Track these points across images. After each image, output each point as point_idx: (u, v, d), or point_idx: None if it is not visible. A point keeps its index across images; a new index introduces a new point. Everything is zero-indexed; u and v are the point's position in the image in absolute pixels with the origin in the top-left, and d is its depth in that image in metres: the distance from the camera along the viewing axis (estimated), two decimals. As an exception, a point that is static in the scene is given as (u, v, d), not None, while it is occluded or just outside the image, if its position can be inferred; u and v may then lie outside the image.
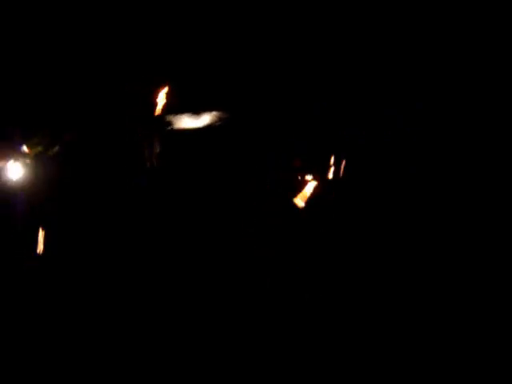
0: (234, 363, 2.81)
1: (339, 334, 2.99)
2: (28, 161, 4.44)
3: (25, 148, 4.44)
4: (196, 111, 4.54)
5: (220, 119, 4.50)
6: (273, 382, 2.73)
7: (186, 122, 4.58)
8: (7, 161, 4.45)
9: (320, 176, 4.09)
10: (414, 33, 3.85)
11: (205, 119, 4.52)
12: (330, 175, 4.13)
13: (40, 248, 4.06)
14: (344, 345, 2.91)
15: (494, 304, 3.15)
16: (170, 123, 4.58)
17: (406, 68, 3.89)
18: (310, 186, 4.06)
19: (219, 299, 3.39)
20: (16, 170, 4.46)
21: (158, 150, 4.60)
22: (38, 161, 4.46)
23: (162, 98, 4.45)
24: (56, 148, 4.49)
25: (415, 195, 3.95)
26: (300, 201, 3.99)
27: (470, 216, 3.77)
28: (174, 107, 4.56)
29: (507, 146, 3.69)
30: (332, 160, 4.15)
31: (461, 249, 3.65)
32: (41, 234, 4.06)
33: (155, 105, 4.53)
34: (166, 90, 4.42)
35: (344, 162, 4.11)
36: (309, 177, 4.11)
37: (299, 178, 4.12)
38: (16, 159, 4.50)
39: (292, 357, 2.85)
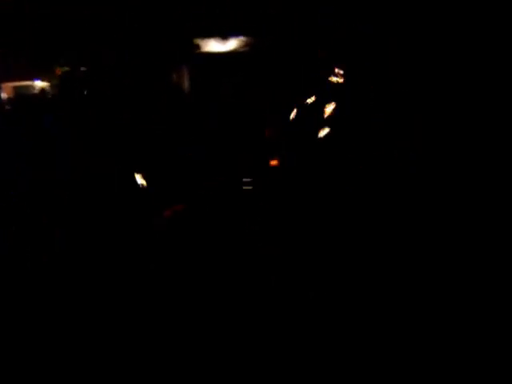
0: (238, 361, 2.83)
1: (344, 331, 3.02)
2: (55, 80, 4.49)
3: (53, 68, 4.49)
4: (224, 36, 4.59)
5: (246, 44, 4.57)
6: (277, 381, 2.73)
7: (214, 45, 4.65)
8: (34, 79, 4.49)
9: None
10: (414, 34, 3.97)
11: (231, 44, 4.58)
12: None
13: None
14: (348, 343, 2.94)
15: (494, 304, 3.16)
16: (197, 47, 4.64)
17: (406, 68, 4.01)
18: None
19: (223, 297, 3.40)
20: (42, 88, 4.50)
21: (186, 74, 4.66)
22: (65, 80, 4.50)
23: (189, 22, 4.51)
24: (82, 69, 4.53)
25: (415, 195, 3.95)
26: None
27: (469, 216, 3.79)
28: (202, 31, 4.62)
29: (507, 147, 3.72)
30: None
31: (460, 249, 3.68)
32: None
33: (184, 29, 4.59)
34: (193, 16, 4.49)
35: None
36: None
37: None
38: (42, 78, 4.54)
39: (296, 354, 2.87)
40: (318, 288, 3.50)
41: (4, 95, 4.36)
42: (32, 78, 4.43)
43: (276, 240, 3.90)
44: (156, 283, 3.53)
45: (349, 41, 3.97)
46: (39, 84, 4.41)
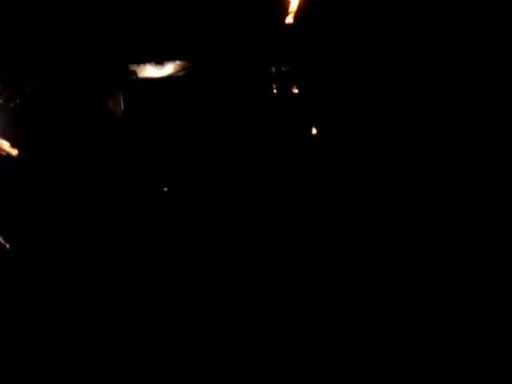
0: (235, 362, 2.83)
1: (343, 332, 3.03)
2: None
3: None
4: (159, 61, 4.52)
5: (183, 68, 4.51)
6: (275, 381, 2.74)
7: (150, 71, 4.58)
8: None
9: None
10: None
11: (168, 68, 4.52)
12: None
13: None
14: (348, 344, 2.95)
15: (494, 304, 3.18)
16: (133, 73, 4.56)
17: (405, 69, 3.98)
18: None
19: (221, 297, 3.41)
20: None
21: (121, 100, 4.59)
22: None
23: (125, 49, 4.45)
24: (16, 101, 4.47)
25: (415, 195, 3.94)
26: None
27: (470, 216, 3.78)
28: (137, 57, 4.54)
29: (508, 146, 3.70)
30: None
31: (461, 249, 3.68)
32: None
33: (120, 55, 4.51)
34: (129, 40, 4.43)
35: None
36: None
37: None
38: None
39: (294, 356, 2.87)
40: (318, 288, 3.51)
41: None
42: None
43: (276, 240, 3.91)
44: (155, 283, 3.54)
45: (349, 41, 3.97)
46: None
